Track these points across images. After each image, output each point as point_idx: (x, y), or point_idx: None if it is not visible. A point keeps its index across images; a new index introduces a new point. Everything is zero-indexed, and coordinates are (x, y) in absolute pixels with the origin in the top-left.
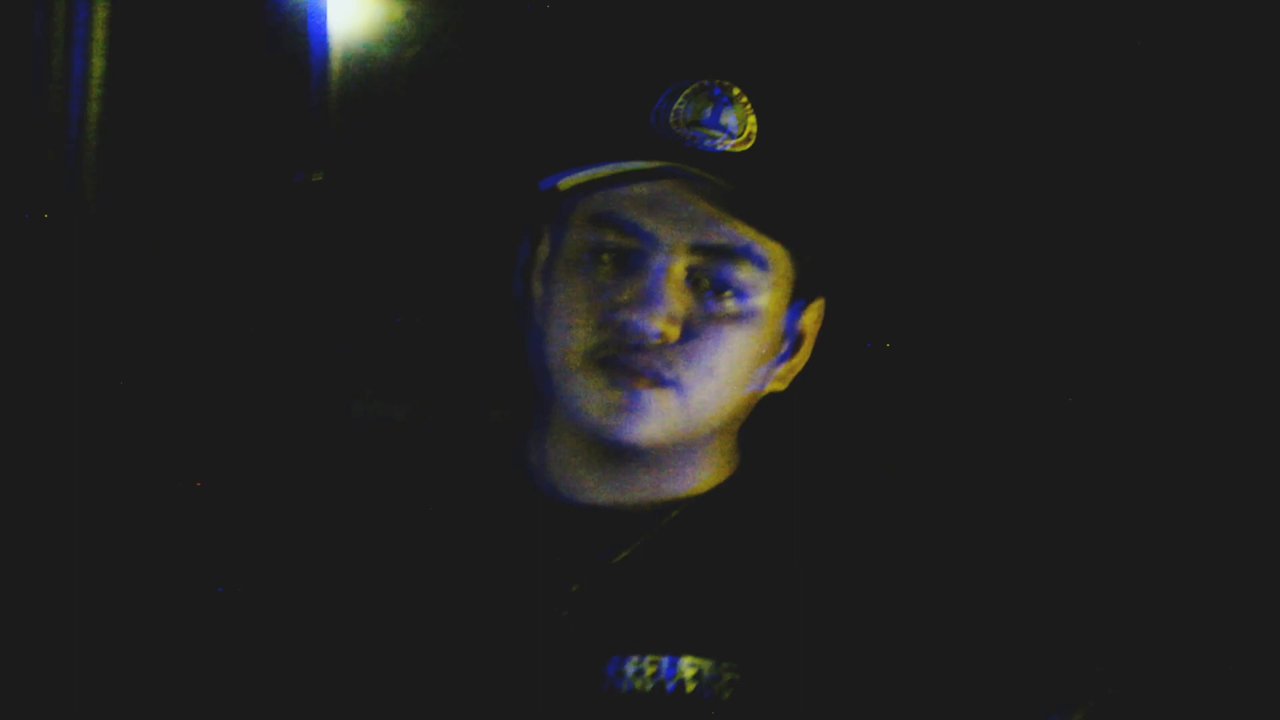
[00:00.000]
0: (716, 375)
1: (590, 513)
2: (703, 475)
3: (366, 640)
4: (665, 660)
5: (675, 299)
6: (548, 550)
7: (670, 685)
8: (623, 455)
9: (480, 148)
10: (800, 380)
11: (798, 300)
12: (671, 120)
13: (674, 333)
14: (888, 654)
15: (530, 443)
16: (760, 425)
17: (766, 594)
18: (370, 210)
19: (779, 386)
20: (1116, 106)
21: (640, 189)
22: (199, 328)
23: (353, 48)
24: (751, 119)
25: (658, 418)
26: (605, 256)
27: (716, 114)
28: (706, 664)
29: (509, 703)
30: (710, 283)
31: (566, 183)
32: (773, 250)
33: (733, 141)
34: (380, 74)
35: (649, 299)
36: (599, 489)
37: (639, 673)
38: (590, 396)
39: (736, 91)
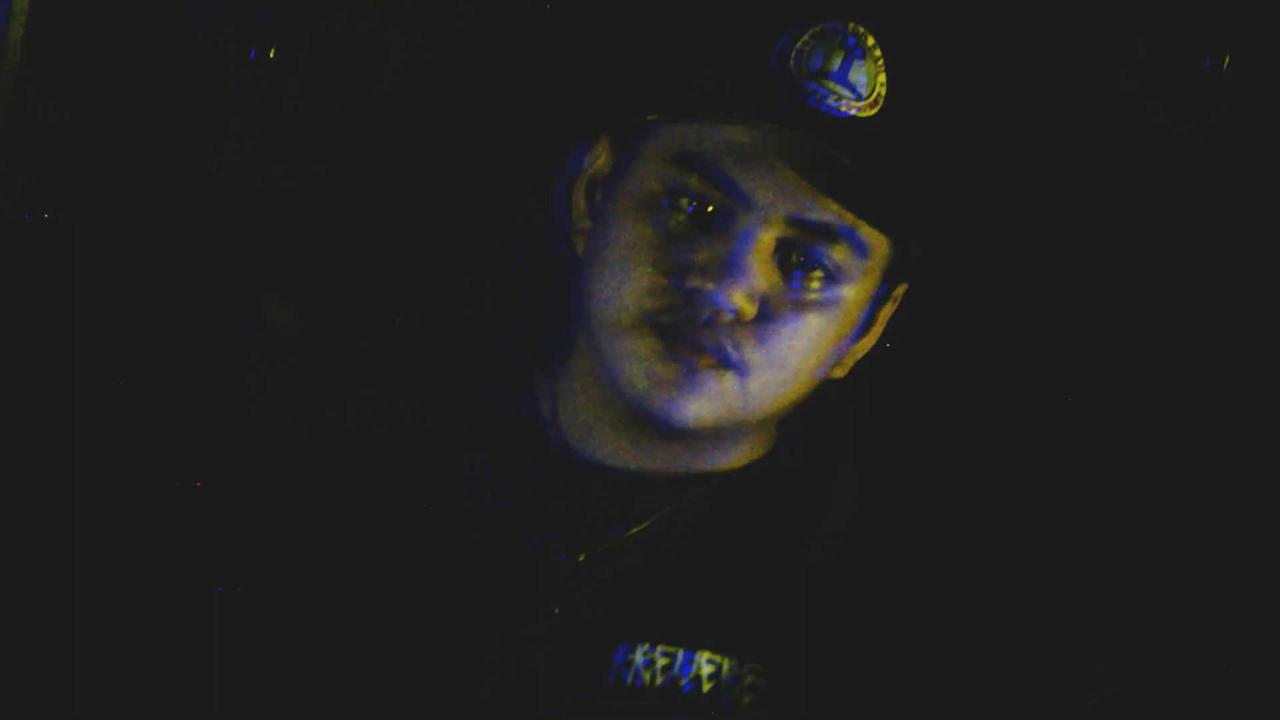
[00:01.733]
0: (786, 364)
1: (604, 475)
2: (737, 453)
3: (359, 600)
4: (681, 655)
5: (760, 273)
6: (551, 510)
7: (685, 684)
8: (657, 427)
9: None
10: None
11: (882, 286)
12: (792, 64)
13: (751, 311)
14: (899, 657)
15: (541, 386)
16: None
17: (794, 587)
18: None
19: (839, 373)
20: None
21: (739, 134)
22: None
23: None
24: (882, 78)
25: (712, 401)
26: (683, 202)
27: (845, 68)
28: (726, 663)
29: (503, 685)
30: (801, 261)
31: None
32: (874, 237)
33: (859, 105)
34: None
35: (731, 269)
36: (620, 453)
37: (649, 664)
38: (639, 363)
39: (871, 42)
